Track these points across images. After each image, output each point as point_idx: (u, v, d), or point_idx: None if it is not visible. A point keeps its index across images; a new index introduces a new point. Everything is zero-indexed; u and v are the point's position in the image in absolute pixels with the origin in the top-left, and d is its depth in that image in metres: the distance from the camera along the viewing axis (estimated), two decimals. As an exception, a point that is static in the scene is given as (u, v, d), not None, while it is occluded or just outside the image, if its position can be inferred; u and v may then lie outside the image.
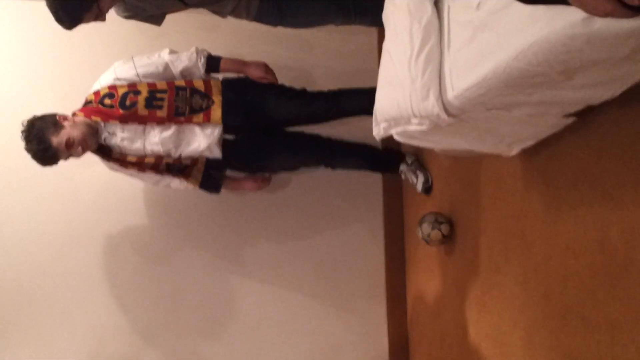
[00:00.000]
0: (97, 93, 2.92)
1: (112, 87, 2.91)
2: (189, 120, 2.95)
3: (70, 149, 2.81)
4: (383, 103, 2.04)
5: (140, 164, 3.00)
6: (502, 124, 1.78)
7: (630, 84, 1.43)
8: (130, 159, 2.98)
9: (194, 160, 3.10)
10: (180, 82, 2.97)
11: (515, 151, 1.97)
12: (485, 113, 1.69)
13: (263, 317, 3.52)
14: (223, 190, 3.24)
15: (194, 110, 2.94)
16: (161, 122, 2.92)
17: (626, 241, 1.62)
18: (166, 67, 2.97)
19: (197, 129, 2.98)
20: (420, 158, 3.32)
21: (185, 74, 3.00)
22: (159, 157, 3.00)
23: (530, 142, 1.91)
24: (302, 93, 3.19)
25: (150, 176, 3.09)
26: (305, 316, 3.55)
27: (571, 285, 1.88)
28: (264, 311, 3.52)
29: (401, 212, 3.65)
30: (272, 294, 3.54)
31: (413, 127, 1.84)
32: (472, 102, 1.62)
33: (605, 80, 1.41)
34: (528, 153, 2.07)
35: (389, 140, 3.22)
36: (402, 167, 3.34)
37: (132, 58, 2.99)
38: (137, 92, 2.90)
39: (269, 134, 3.20)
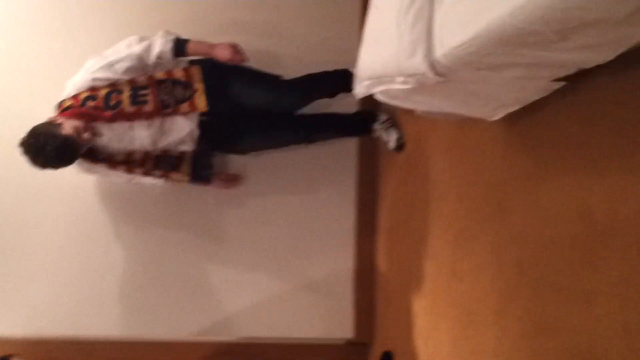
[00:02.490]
0: (76, 97, 2.83)
1: (92, 89, 2.83)
2: (176, 112, 2.92)
3: (80, 137, 2.73)
4: (367, 60, 1.98)
5: (129, 162, 2.97)
6: (489, 86, 1.73)
7: (625, 48, 1.39)
8: (118, 158, 2.95)
9: (182, 153, 3.10)
10: (161, 75, 2.91)
11: (499, 115, 1.93)
12: (473, 73, 1.64)
13: (234, 280, 3.51)
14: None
15: (179, 101, 2.91)
16: (149, 116, 2.88)
17: (607, 211, 1.59)
18: (140, 57, 2.87)
19: (178, 119, 2.96)
20: (394, 117, 3.30)
21: (159, 60, 2.90)
22: (146, 153, 2.98)
23: (515, 107, 1.87)
24: (275, 84, 3.15)
25: (122, 174, 3.04)
26: (272, 282, 3.53)
27: (548, 254, 1.86)
28: (235, 276, 3.51)
29: (375, 178, 3.61)
30: (243, 255, 3.52)
31: (397, 85, 1.78)
32: (461, 60, 1.57)
33: (600, 42, 1.37)
34: (511, 118, 2.03)
35: (363, 102, 3.26)
36: (375, 125, 3.31)
37: (104, 56, 2.88)
38: (120, 91, 2.83)
39: (241, 114, 3.16)
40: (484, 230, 2.27)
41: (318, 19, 3.60)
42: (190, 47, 2.91)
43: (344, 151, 3.59)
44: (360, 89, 1.99)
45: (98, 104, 2.80)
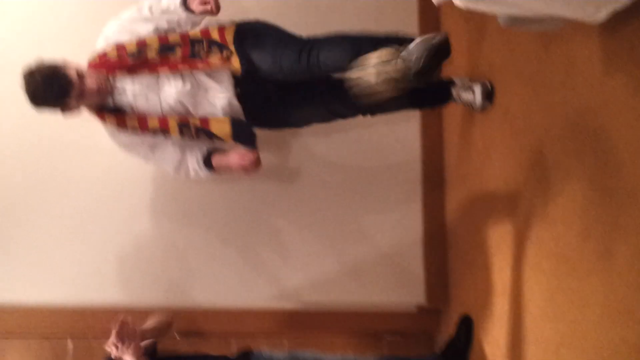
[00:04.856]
0: (102, 55, 2.62)
1: (120, 46, 2.60)
2: (206, 63, 2.60)
3: (82, 81, 2.50)
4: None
5: (164, 128, 2.67)
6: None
7: None
8: (152, 122, 2.65)
9: None
10: (196, 34, 2.62)
11: (604, 14, 1.60)
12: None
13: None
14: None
15: (211, 53, 2.61)
16: (176, 66, 2.59)
17: None
18: (144, 15, 2.62)
19: (213, 85, 2.64)
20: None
21: (166, 15, 2.62)
22: (182, 117, 2.66)
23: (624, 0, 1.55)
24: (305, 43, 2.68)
25: (172, 154, 2.76)
26: (339, 250, 3.33)
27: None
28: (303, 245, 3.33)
29: (440, 122, 3.35)
30: (312, 225, 3.34)
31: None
32: None
33: None
34: (612, 27, 1.73)
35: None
36: (454, 91, 2.85)
37: (122, 19, 2.66)
38: (147, 46, 2.59)
39: (286, 83, 2.74)
40: (581, 163, 1.97)
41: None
42: None
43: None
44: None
45: (122, 55, 2.58)
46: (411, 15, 3.39)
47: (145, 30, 2.62)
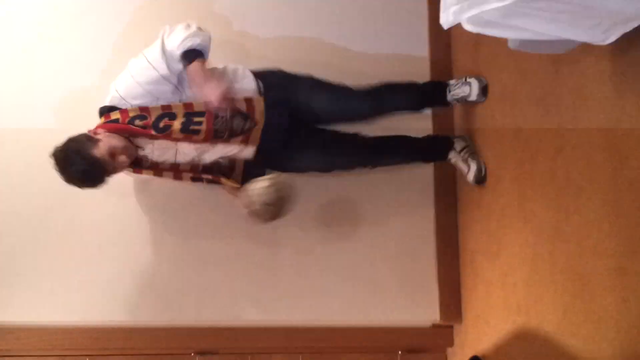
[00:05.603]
0: (124, 113, 2.60)
1: (144, 109, 2.59)
2: (226, 143, 2.71)
3: (114, 159, 2.54)
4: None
5: (176, 170, 2.78)
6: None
7: None
8: (165, 165, 2.75)
9: (232, 161, 2.85)
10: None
11: (613, 38, 1.65)
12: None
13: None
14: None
15: (233, 134, 2.68)
16: (198, 143, 2.68)
17: None
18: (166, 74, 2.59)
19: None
20: (471, 144, 3.05)
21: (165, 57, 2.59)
22: (196, 174, 2.80)
23: (634, 24, 1.59)
24: (341, 91, 2.92)
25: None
26: (353, 267, 3.34)
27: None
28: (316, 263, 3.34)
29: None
30: (325, 244, 3.35)
31: (493, 4, 1.52)
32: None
33: None
34: (622, 48, 1.77)
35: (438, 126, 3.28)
36: (451, 154, 3.04)
37: (144, 56, 2.59)
38: (173, 116, 2.60)
39: (301, 127, 2.92)
40: (594, 181, 2.01)
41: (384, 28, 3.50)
42: (191, 68, 2.58)
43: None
44: (446, 18, 1.71)
45: (147, 124, 2.60)
46: (422, 40, 3.47)
47: (167, 92, 2.62)
